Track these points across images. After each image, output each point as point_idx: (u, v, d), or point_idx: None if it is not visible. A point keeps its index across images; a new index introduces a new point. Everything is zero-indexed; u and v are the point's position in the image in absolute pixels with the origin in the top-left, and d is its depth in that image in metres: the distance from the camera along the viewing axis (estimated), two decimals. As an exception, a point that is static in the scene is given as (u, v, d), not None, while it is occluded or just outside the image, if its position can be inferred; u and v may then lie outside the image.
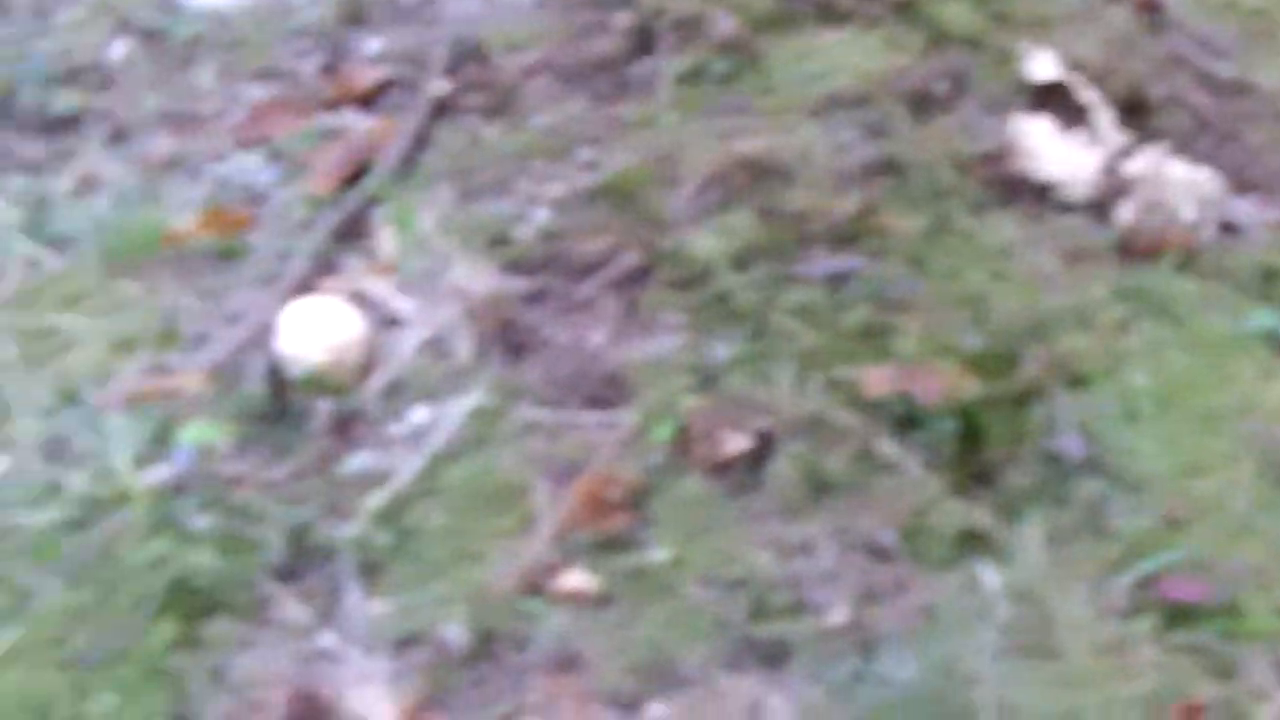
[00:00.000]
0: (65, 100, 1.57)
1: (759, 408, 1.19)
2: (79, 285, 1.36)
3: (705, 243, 1.27)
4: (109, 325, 1.31)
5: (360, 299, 1.29)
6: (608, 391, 1.22)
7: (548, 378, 1.23)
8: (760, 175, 1.34)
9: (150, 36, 1.64)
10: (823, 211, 1.32)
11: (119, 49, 1.64)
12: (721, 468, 1.17)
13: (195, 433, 1.14)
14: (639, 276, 1.29)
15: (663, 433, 1.18)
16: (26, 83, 1.59)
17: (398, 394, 1.23)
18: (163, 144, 1.53)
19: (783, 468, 1.17)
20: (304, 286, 1.29)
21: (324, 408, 1.22)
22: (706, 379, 1.21)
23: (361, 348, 1.20)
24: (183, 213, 1.43)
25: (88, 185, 1.49)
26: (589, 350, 1.24)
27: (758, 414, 1.19)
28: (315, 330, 1.18)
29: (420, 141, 1.47)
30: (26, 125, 1.58)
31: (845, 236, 1.32)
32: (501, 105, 1.49)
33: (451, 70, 1.53)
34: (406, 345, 1.26)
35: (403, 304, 1.28)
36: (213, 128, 1.54)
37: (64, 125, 1.58)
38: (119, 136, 1.55)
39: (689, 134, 1.39)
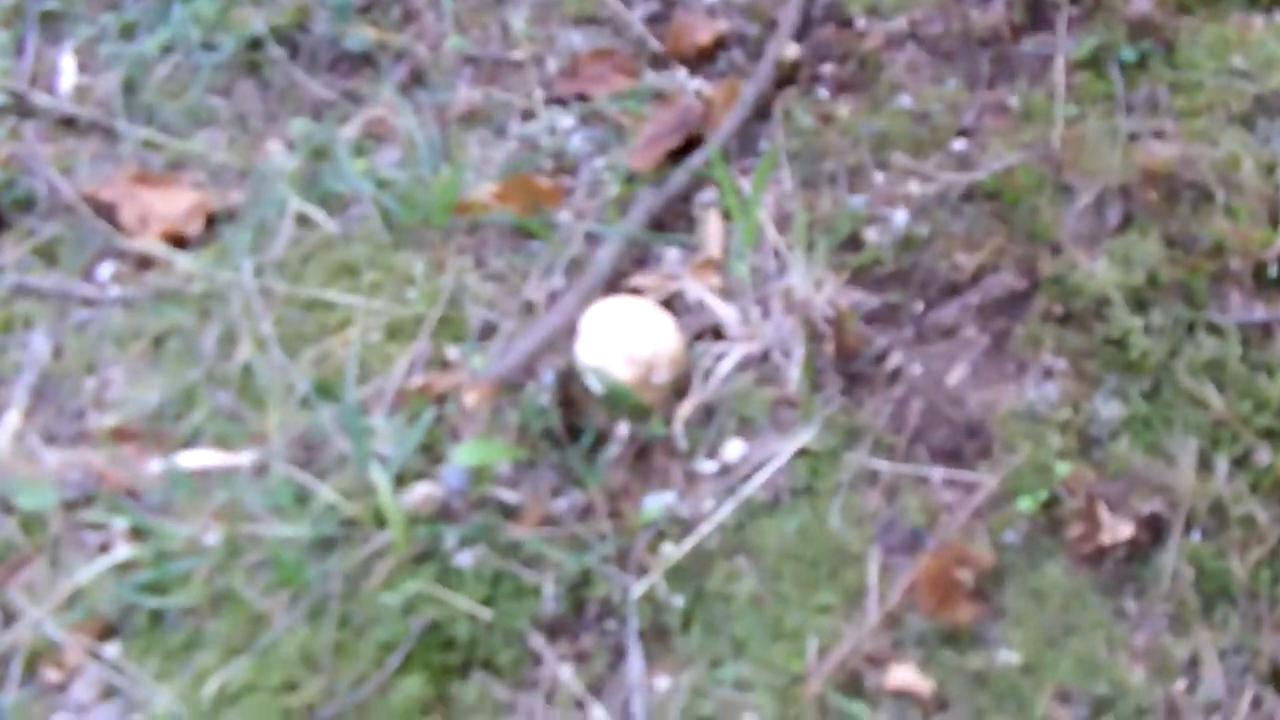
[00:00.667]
0: (361, 35, 1.61)
1: (1150, 485, 1.14)
2: (355, 254, 1.41)
3: (1100, 271, 1.22)
4: (384, 305, 1.34)
5: (677, 302, 1.29)
6: (965, 444, 1.19)
7: (894, 419, 1.21)
8: (1171, 192, 1.28)
9: (460, -33, 1.67)
10: (1245, 244, 1.25)
11: (425, -23, 1.67)
12: (1096, 555, 1.13)
13: (470, 453, 1.16)
14: (1015, 304, 1.25)
15: (1029, 503, 1.15)
16: (322, 11, 1.63)
17: (711, 423, 1.23)
18: (464, 94, 1.57)
19: (1173, 564, 1.12)
20: (612, 282, 1.29)
21: (623, 432, 1.23)
22: (1088, 442, 1.17)
23: (674, 364, 1.20)
24: (481, 177, 1.46)
25: (376, 136, 1.54)
26: (946, 390, 1.21)
27: (1148, 493, 1.14)
28: (622, 339, 1.19)
29: (761, 114, 1.46)
30: (317, 61, 1.64)
31: (1273, 278, 1.24)
32: (860, 79, 1.47)
33: (802, 31, 1.51)
34: (727, 363, 1.25)
35: (727, 312, 1.27)
36: (523, 78, 1.57)
37: (357, 63, 1.64)
38: (416, 80, 1.59)
39: (1087, 133, 1.33)
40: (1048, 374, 1.21)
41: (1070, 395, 1.19)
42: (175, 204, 1.50)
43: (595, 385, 1.19)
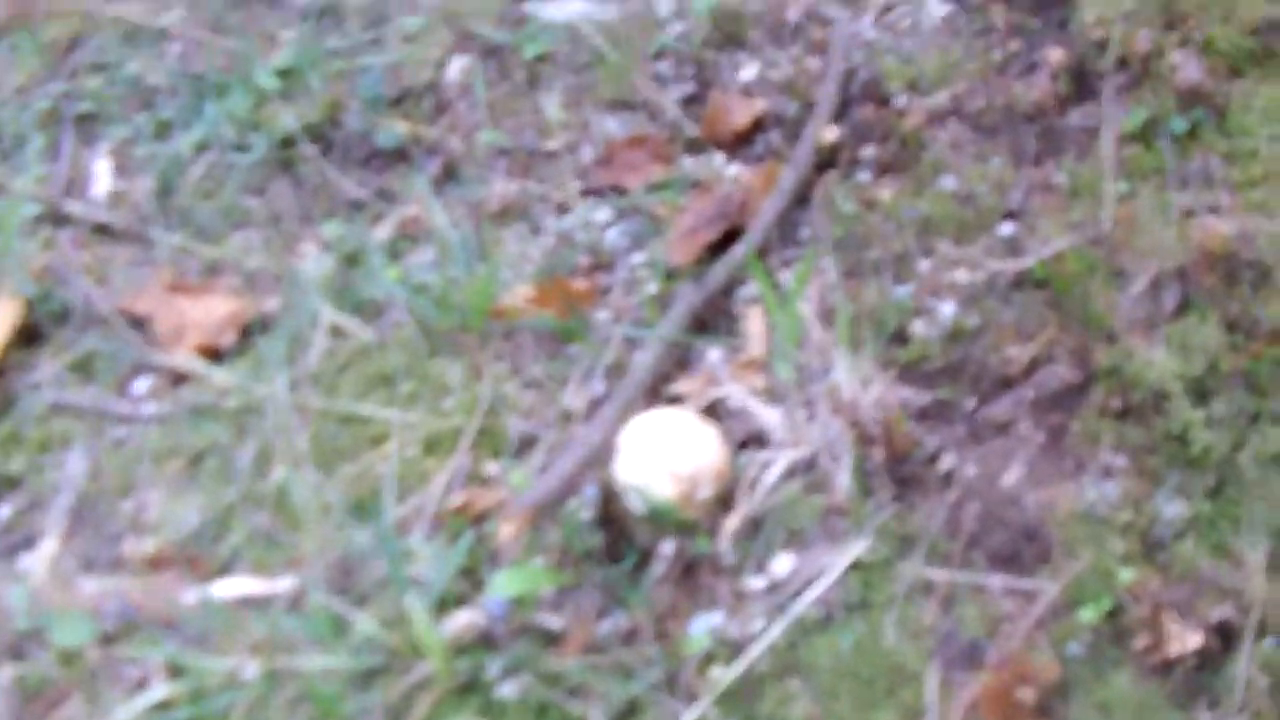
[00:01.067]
0: (393, 130, 1.59)
1: (1218, 589, 1.10)
2: (390, 363, 1.39)
3: (1158, 360, 1.17)
4: (420, 417, 1.32)
5: (719, 407, 1.25)
6: (1024, 548, 1.16)
7: (948, 524, 1.18)
8: (1230, 272, 1.23)
9: (493, 53, 1.66)
10: (1314, 325, 1.21)
11: (457, 67, 1.65)
12: (1164, 666, 1.09)
13: (510, 581, 1.13)
14: (1070, 398, 1.22)
15: (1092, 613, 1.11)
16: (354, 104, 1.62)
17: (759, 536, 1.20)
18: (499, 188, 1.54)
19: (1245, 672, 1.08)
20: (653, 388, 1.26)
21: (667, 551, 1.20)
22: (1151, 545, 1.14)
23: (719, 478, 1.17)
24: (516, 276, 1.44)
25: (410, 236, 1.52)
26: (1002, 491, 1.18)
27: (1216, 597, 1.09)
28: (664, 454, 1.16)
29: (801, 201, 1.43)
30: (350, 157, 1.62)
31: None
32: (902, 159, 1.43)
33: (841, 111, 1.48)
34: (773, 472, 1.22)
35: (771, 417, 1.24)
36: (558, 169, 1.55)
37: (390, 159, 1.63)
38: (450, 175, 1.58)
39: (1139, 211, 1.29)
40: (1107, 472, 1.17)
41: (1131, 495, 1.15)
42: (210, 314, 1.49)
43: (637, 504, 1.15)
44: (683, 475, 1.15)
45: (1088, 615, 1.11)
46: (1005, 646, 1.11)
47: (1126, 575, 1.12)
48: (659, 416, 1.20)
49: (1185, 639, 1.07)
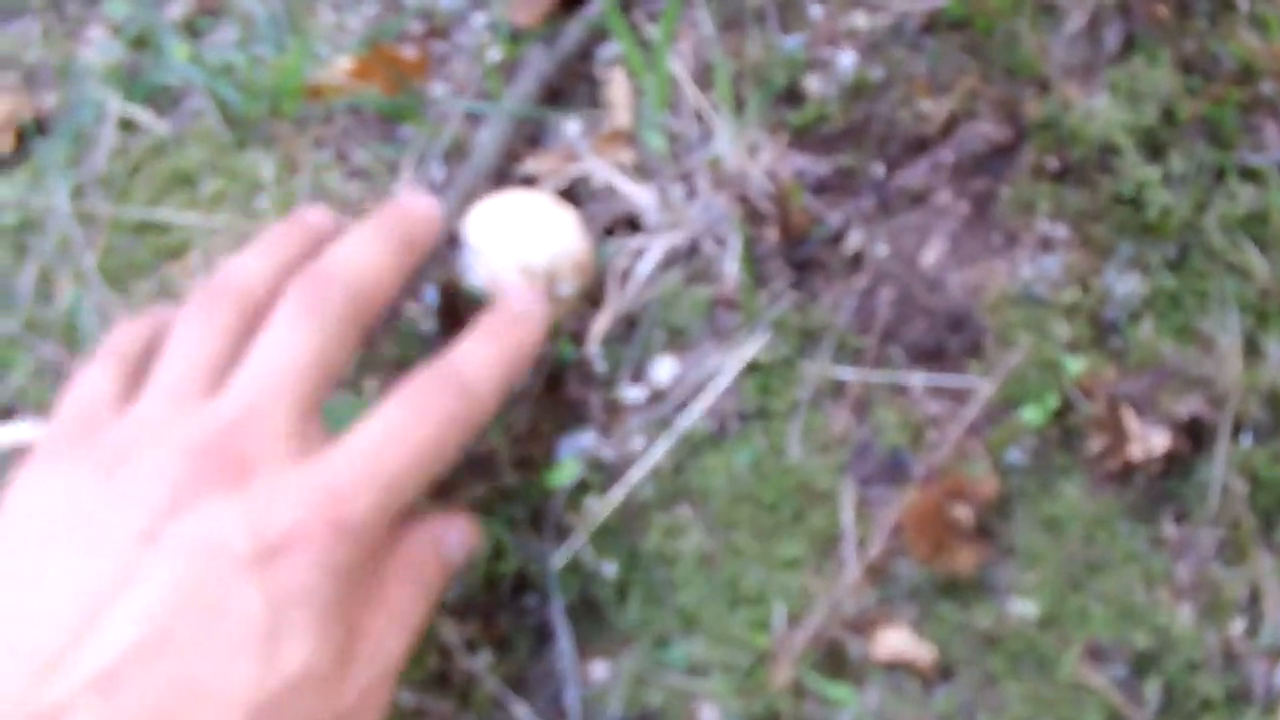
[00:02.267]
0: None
1: (1186, 379, 0.91)
2: (190, 160, 1.16)
3: (1102, 110, 0.97)
4: (228, 220, 1.11)
5: (581, 188, 1.04)
6: (950, 340, 0.96)
7: (859, 315, 0.98)
8: (1182, 3, 1.02)
9: None
10: None
11: None
12: (1124, 473, 0.90)
13: (332, 416, 0.91)
14: (998, 159, 1.01)
15: (1035, 413, 0.92)
16: None
17: (634, 338, 0.99)
18: (313, -51, 1.29)
19: (1221, 476, 0.89)
20: (501, 170, 1.04)
21: (524, 361, 0.96)
22: (1103, 329, 0.94)
23: (581, 270, 0.95)
24: (336, 51, 1.20)
25: (210, 11, 1.29)
26: (921, 273, 0.98)
27: (1183, 389, 0.91)
28: (512, 245, 0.94)
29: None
30: None
31: (1320, 98, 1.00)
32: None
33: None
34: (648, 261, 1.01)
35: (643, 196, 1.02)
36: (380, -77, 1.30)
37: None
38: (255, -63, 1.31)
39: (1073, -66, 1.07)
40: (1045, 245, 0.97)
41: (1076, 270, 0.95)
42: (-20, 115, 1.25)
43: (485, 304, 0.94)
44: (536, 269, 0.94)
45: (1030, 416, 0.92)
46: (933, 457, 0.92)
47: (1074, 366, 0.92)
48: (506, 201, 0.98)
49: (1148, 439, 0.89)
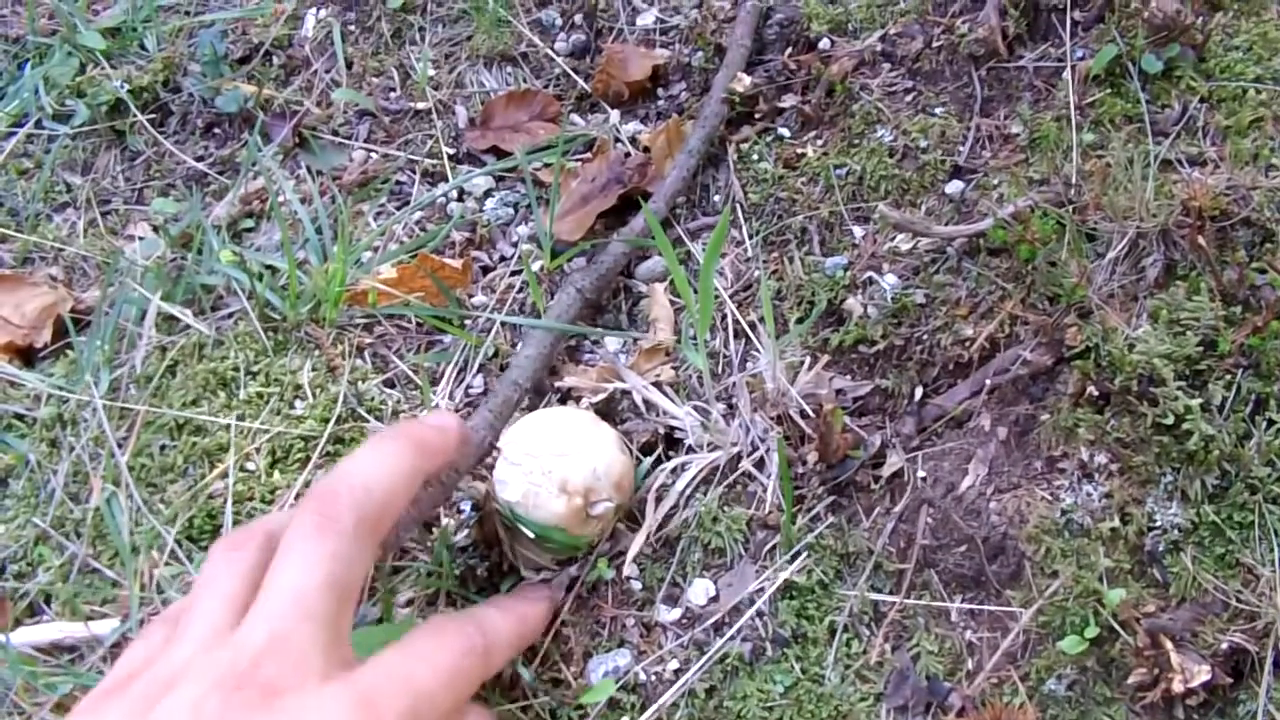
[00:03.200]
0: (237, 93, 1.41)
1: (1227, 611, 0.92)
2: (229, 362, 1.20)
3: (1143, 337, 1.00)
4: (265, 425, 1.13)
5: (620, 405, 1.06)
6: (989, 568, 0.98)
7: (897, 539, 1.00)
8: (1223, 233, 1.06)
9: (353, 3, 1.46)
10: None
11: (312, 22, 1.46)
12: (1165, 705, 0.92)
13: (366, 642, 0.92)
14: (1038, 385, 1.05)
15: (1074, 643, 0.94)
16: (192, 65, 1.44)
17: (670, 558, 1.01)
18: (359, 156, 1.36)
19: (1266, 709, 0.91)
20: (539, 386, 1.07)
21: (560, 580, 1.02)
22: (1145, 559, 0.96)
23: (620, 489, 0.99)
24: (379, 255, 1.26)
25: (255, 214, 1.33)
26: (960, 499, 1.00)
27: (1225, 621, 0.92)
28: (551, 462, 0.97)
29: (712, 162, 1.24)
30: (187, 125, 1.45)
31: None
32: (828, 112, 1.25)
33: (755, 59, 1.30)
34: (686, 480, 1.03)
35: (683, 414, 1.05)
36: (427, 133, 1.36)
37: (234, 126, 1.45)
38: (303, 143, 1.39)
39: (1111, 164, 1.11)
40: (1086, 473, 0.99)
41: (1117, 499, 0.97)
42: (20, 308, 1.29)
43: (522, 524, 0.96)
44: (574, 488, 0.96)
45: (1069, 646, 0.94)
46: (971, 687, 0.93)
47: (1115, 596, 0.94)
48: (545, 417, 1.01)
49: (1189, 672, 0.90)
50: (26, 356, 1.28)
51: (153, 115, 1.46)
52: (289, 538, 0.75)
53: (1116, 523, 0.97)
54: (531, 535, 0.97)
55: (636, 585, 1.01)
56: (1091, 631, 0.93)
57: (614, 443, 0.99)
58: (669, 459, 1.05)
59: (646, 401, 1.07)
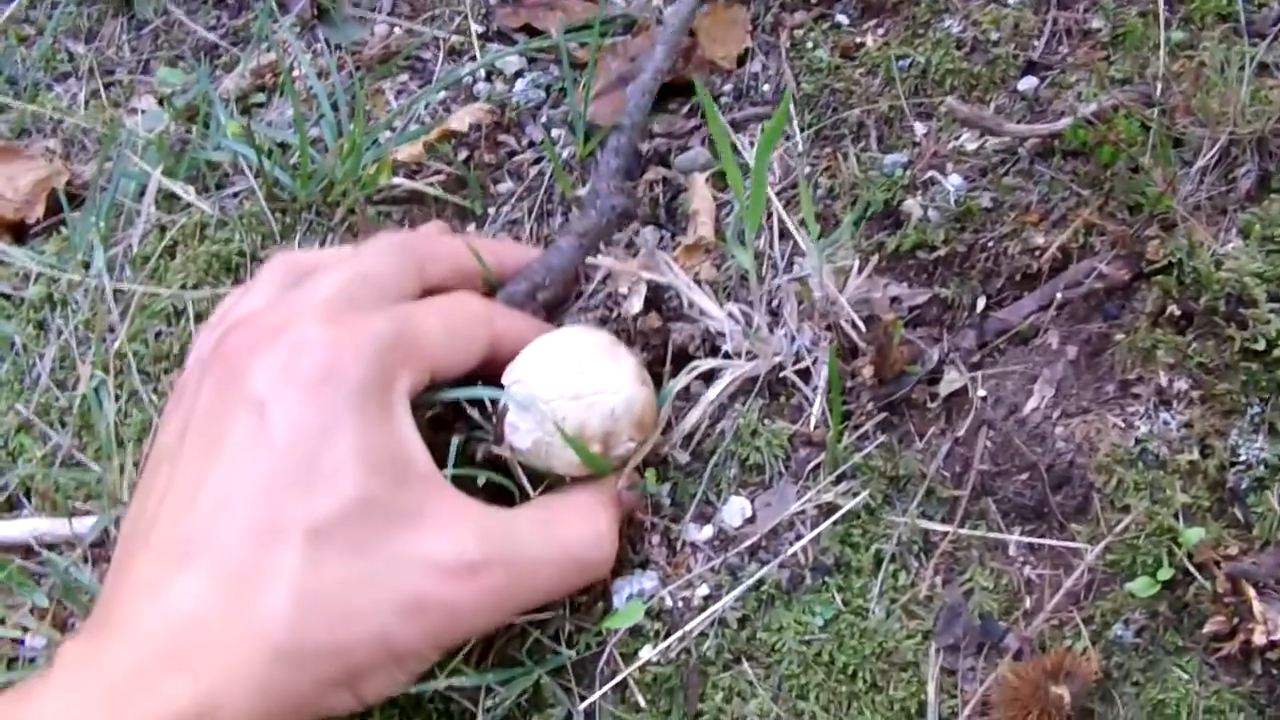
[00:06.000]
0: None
1: (1320, 556, 0.83)
2: (233, 244, 1.14)
3: (1232, 253, 0.92)
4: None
5: (658, 301, 0.98)
6: (1052, 498, 0.90)
7: (953, 464, 0.92)
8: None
9: None
10: None
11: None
12: (1243, 657, 0.84)
13: None
14: (1114, 301, 0.97)
15: (1145, 585, 0.86)
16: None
17: (704, 472, 0.93)
18: (380, 30, 1.29)
19: (1359, 669, 0.81)
20: (567, 287, 0.99)
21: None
22: (1227, 496, 0.88)
23: (642, 427, 0.90)
24: (399, 136, 1.18)
25: (267, 88, 1.25)
26: (1024, 422, 0.93)
27: (1317, 567, 0.83)
28: (565, 399, 0.87)
29: (763, 48, 1.16)
30: None
31: None
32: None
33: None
34: (723, 389, 0.95)
35: (723, 317, 0.97)
36: (455, 7, 1.27)
37: None
38: (322, 15, 1.31)
39: (1203, 65, 1.02)
40: (1163, 400, 0.91)
41: (1197, 429, 0.90)
42: (13, 182, 1.22)
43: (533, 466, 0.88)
44: (592, 433, 0.88)
45: (1139, 588, 0.86)
46: (1028, 628, 0.86)
47: (1192, 536, 0.86)
48: (555, 347, 0.91)
49: (1273, 623, 0.82)
50: (18, 233, 1.22)
51: (162, -19, 1.37)
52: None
53: (1196, 455, 0.89)
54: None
55: (664, 501, 0.93)
56: (1165, 573, 0.86)
57: (633, 374, 0.90)
58: (705, 363, 0.96)
59: (685, 300, 0.99)
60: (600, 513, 0.87)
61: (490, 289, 0.96)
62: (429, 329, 0.84)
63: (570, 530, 0.85)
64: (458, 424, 0.89)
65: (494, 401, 0.87)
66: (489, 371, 0.88)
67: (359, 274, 0.85)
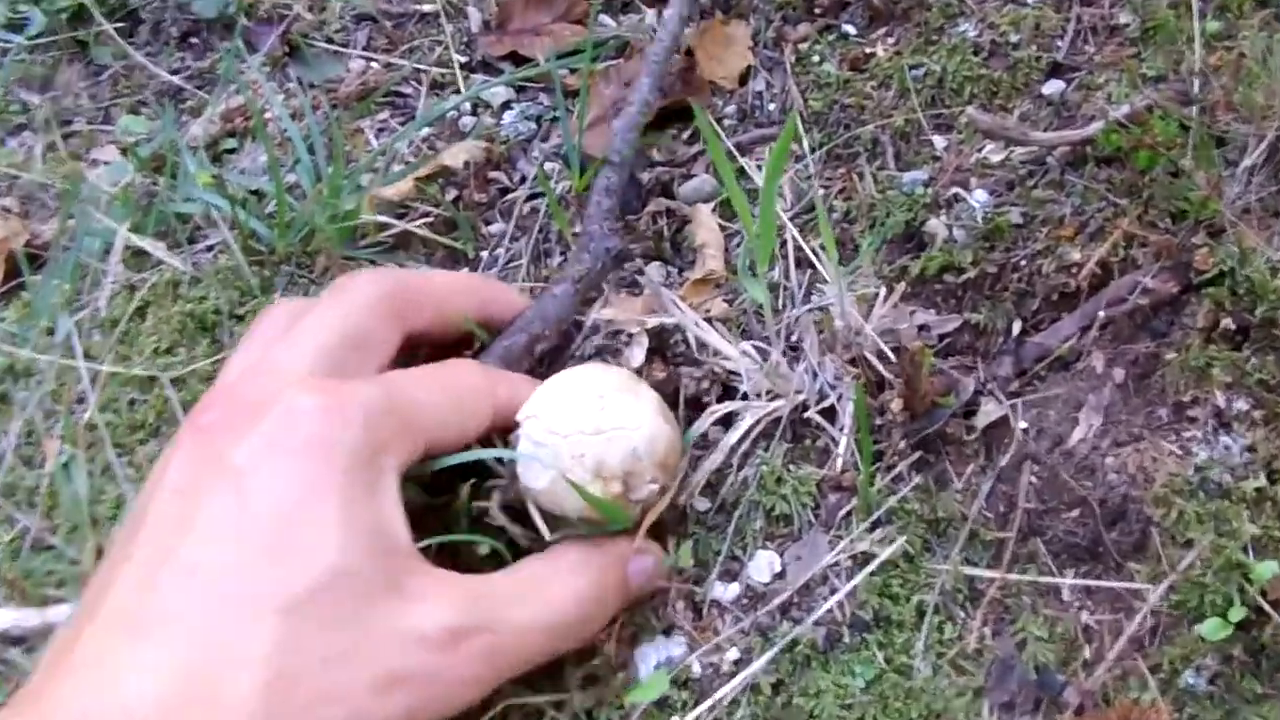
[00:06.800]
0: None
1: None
2: (209, 303, 1.11)
3: (1287, 260, 0.88)
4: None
5: (664, 345, 0.95)
6: (1106, 535, 0.87)
7: (996, 503, 0.90)
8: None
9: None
10: None
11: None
12: (1331, 700, 0.79)
13: None
14: (1162, 317, 0.94)
15: (1215, 629, 0.82)
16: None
17: (728, 525, 0.91)
18: (357, 65, 1.28)
19: None
20: (564, 336, 0.96)
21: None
22: (1300, 525, 0.83)
23: (665, 468, 0.87)
24: (381, 178, 1.15)
25: (238, 133, 1.22)
26: (1071, 454, 0.90)
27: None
28: (582, 442, 0.84)
29: (766, 64, 1.14)
30: (160, 33, 1.37)
31: None
32: (900, 2, 1.15)
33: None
34: (739, 430, 0.92)
35: (739, 355, 0.94)
36: (436, 38, 1.25)
37: (213, 34, 1.35)
38: (294, 52, 1.30)
39: (1243, 55, 0.99)
40: (1223, 422, 0.88)
41: (1262, 454, 0.87)
42: (-30, 245, 1.19)
43: (552, 511, 0.85)
44: (611, 472, 0.85)
45: (1210, 631, 0.82)
46: (1089, 680, 0.83)
47: (1264, 571, 0.82)
48: (572, 382, 0.89)
49: (1358, 660, 0.79)
50: (-26, 300, 1.19)
51: (120, 24, 1.36)
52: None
53: (1263, 481, 0.86)
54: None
55: (688, 560, 0.90)
56: (1237, 613, 0.82)
57: (655, 410, 0.87)
58: (722, 408, 0.93)
59: (696, 341, 0.95)
60: (595, 569, 0.84)
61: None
62: (425, 402, 0.82)
63: (561, 590, 0.82)
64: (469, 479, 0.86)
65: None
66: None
67: (340, 334, 0.83)
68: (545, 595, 0.82)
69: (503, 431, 0.87)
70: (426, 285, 0.93)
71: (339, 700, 0.70)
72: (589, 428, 0.83)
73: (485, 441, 0.86)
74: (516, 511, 0.86)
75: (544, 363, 0.97)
